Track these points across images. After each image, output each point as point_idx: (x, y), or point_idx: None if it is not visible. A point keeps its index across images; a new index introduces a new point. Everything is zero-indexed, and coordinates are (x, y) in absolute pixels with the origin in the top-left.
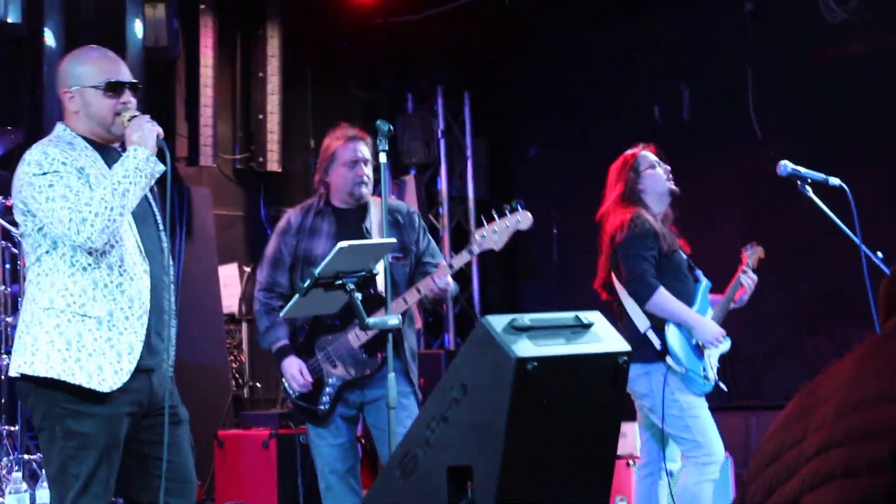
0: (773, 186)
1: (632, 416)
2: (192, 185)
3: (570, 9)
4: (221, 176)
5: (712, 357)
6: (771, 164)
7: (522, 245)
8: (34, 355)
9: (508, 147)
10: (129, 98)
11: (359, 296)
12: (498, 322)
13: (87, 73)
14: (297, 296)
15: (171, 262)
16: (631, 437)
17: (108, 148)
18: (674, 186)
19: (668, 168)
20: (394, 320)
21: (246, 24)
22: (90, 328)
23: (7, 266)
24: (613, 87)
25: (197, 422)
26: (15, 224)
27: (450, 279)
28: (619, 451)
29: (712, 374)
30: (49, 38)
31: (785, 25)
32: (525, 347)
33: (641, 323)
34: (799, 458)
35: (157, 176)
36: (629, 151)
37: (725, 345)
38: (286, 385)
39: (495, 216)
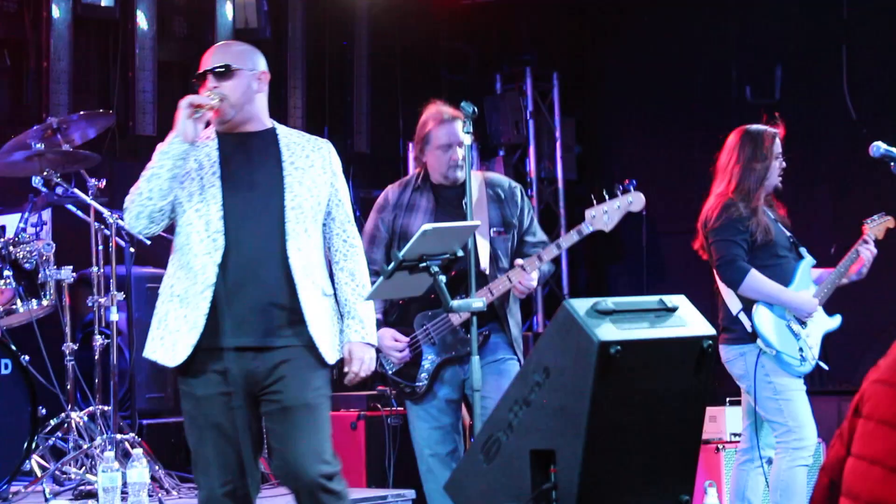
0: (866, 167)
1: (721, 401)
2: None
3: None
4: None
5: (812, 336)
6: (865, 144)
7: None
8: None
9: (597, 128)
10: (210, 85)
11: (443, 278)
12: (581, 305)
13: None
14: (381, 278)
15: (284, 232)
16: (721, 422)
17: (237, 134)
18: (780, 183)
19: (781, 161)
20: (478, 303)
21: (334, 6)
22: (175, 306)
23: (100, 248)
24: (704, 67)
25: None
26: (108, 206)
27: (534, 276)
28: (709, 436)
29: (811, 354)
30: (141, 21)
31: (880, 1)
32: (608, 331)
33: (734, 305)
34: None
35: (180, 152)
36: (758, 128)
37: (833, 322)
38: (382, 360)
39: (606, 196)
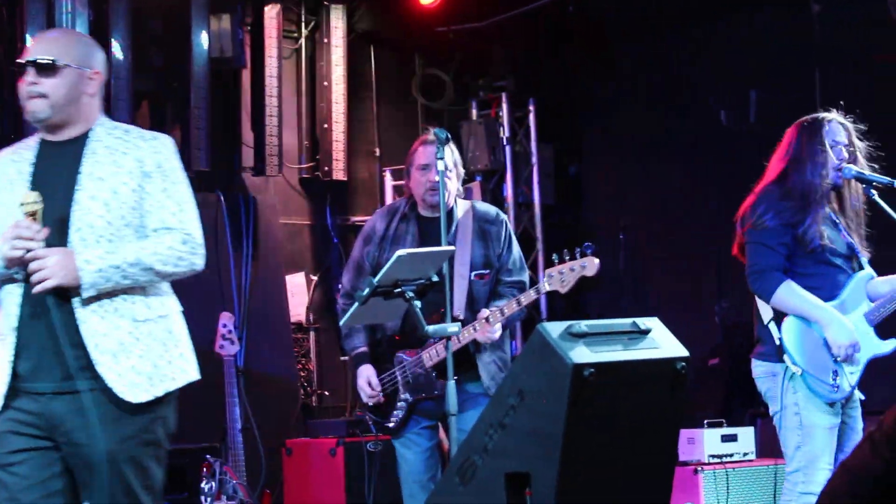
0: None
1: (699, 423)
2: (258, 195)
3: (636, 14)
4: (287, 185)
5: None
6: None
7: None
8: None
9: (574, 153)
10: (29, 79)
11: (418, 303)
12: (554, 328)
13: None
14: (356, 304)
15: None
16: (699, 443)
17: (55, 143)
18: (840, 180)
19: (843, 150)
20: (453, 328)
21: (311, 34)
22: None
23: None
24: (679, 92)
25: (266, 430)
26: None
27: (497, 328)
28: (687, 458)
29: (847, 381)
30: (116, 51)
31: (852, 26)
32: (582, 354)
33: (766, 314)
34: None
35: None
36: (815, 116)
37: (885, 346)
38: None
39: (566, 258)
